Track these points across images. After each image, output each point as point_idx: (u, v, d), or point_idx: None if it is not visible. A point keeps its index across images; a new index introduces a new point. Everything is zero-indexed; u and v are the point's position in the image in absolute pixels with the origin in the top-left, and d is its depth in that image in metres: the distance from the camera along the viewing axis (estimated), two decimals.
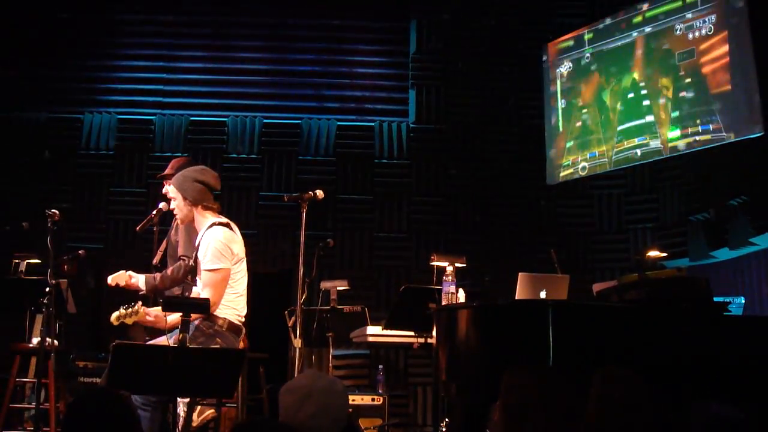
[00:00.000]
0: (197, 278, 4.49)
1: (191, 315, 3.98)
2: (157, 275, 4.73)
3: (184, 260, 4.77)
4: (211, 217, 4.52)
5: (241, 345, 4.61)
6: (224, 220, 4.55)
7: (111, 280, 4.60)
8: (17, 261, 6.03)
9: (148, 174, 7.93)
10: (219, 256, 4.33)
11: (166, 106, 8.25)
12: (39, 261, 5.96)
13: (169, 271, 4.77)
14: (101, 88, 8.29)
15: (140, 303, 4.30)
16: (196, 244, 4.50)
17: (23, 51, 8.08)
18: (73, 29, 8.27)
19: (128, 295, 4.65)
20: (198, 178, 4.51)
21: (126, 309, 4.22)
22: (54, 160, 7.92)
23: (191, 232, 4.78)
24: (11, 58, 8.01)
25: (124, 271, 4.61)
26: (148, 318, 4.32)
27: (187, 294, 4.58)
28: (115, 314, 4.24)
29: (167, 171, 5.27)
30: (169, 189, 4.97)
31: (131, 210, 7.77)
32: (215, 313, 4.33)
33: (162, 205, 5.36)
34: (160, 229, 5.50)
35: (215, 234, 4.40)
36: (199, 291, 4.42)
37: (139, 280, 4.61)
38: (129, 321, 4.25)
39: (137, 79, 8.32)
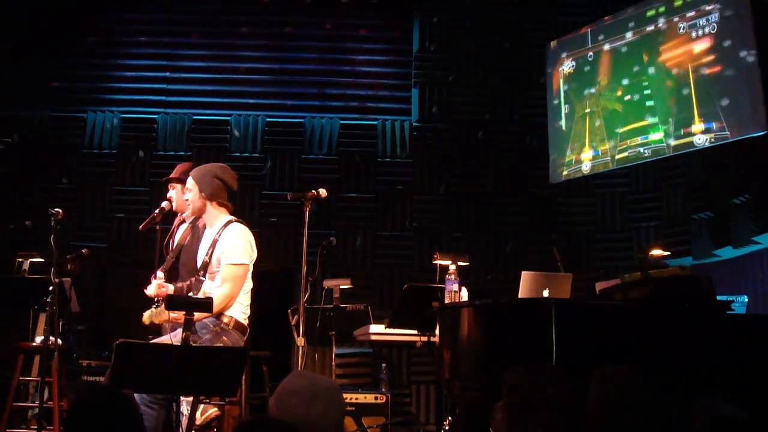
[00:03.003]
0: (207, 276, 4.51)
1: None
2: (184, 285, 4.75)
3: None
4: (224, 215, 4.55)
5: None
6: (237, 219, 4.59)
7: (150, 290, 4.63)
8: (21, 260, 6.04)
9: (151, 173, 7.95)
10: (245, 252, 4.40)
11: (169, 105, 8.26)
12: (42, 260, 5.97)
13: (193, 279, 4.79)
14: (104, 87, 8.31)
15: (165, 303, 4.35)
16: (210, 239, 4.51)
17: (26, 50, 8.09)
18: (76, 28, 8.29)
19: (131, 294, 4.67)
20: (218, 175, 4.57)
21: (156, 308, 4.34)
22: (56, 163, 7.95)
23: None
24: (14, 56, 8.03)
25: (154, 281, 4.63)
26: (172, 315, 4.35)
27: (195, 292, 4.60)
28: (146, 313, 4.38)
29: (173, 175, 5.28)
30: (185, 182, 4.98)
31: (134, 209, 7.78)
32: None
33: (165, 204, 5.35)
34: (162, 227, 5.50)
35: (240, 230, 4.47)
36: (210, 288, 4.44)
37: (170, 289, 4.66)
38: (156, 320, 4.33)
39: (140, 78, 8.34)
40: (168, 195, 5.31)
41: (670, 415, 2.98)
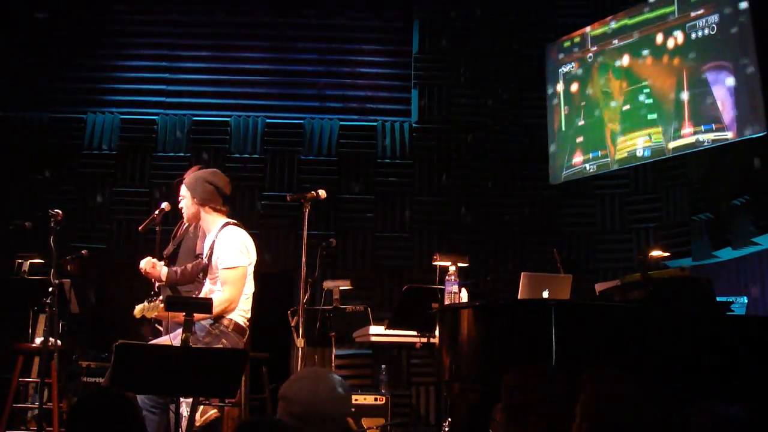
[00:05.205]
0: (208, 278, 4.52)
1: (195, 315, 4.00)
2: (178, 269, 4.77)
3: (201, 257, 4.80)
4: (220, 218, 4.56)
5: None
6: (234, 221, 4.59)
7: (142, 263, 4.69)
8: (20, 261, 6.04)
9: (150, 174, 7.94)
10: (238, 253, 4.40)
11: (169, 106, 8.25)
12: (42, 261, 5.97)
13: (189, 266, 4.80)
14: (104, 88, 8.29)
15: (161, 298, 4.35)
16: (209, 243, 4.53)
17: (26, 50, 8.09)
18: (75, 29, 8.28)
19: (131, 295, 4.67)
20: (208, 179, 4.59)
21: (149, 302, 4.31)
22: (55, 164, 7.94)
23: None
24: (14, 56, 8.02)
25: (150, 257, 4.67)
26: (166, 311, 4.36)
27: (196, 293, 4.60)
28: (138, 307, 4.34)
29: (186, 176, 5.29)
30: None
31: (134, 210, 7.77)
32: None
33: (164, 204, 5.36)
34: (162, 228, 5.51)
35: (232, 233, 4.48)
36: (208, 290, 4.46)
37: (162, 270, 4.67)
38: (149, 315, 4.33)
39: (140, 79, 8.32)
40: (180, 196, 5.31)
41: (666, 416, 2.97)
